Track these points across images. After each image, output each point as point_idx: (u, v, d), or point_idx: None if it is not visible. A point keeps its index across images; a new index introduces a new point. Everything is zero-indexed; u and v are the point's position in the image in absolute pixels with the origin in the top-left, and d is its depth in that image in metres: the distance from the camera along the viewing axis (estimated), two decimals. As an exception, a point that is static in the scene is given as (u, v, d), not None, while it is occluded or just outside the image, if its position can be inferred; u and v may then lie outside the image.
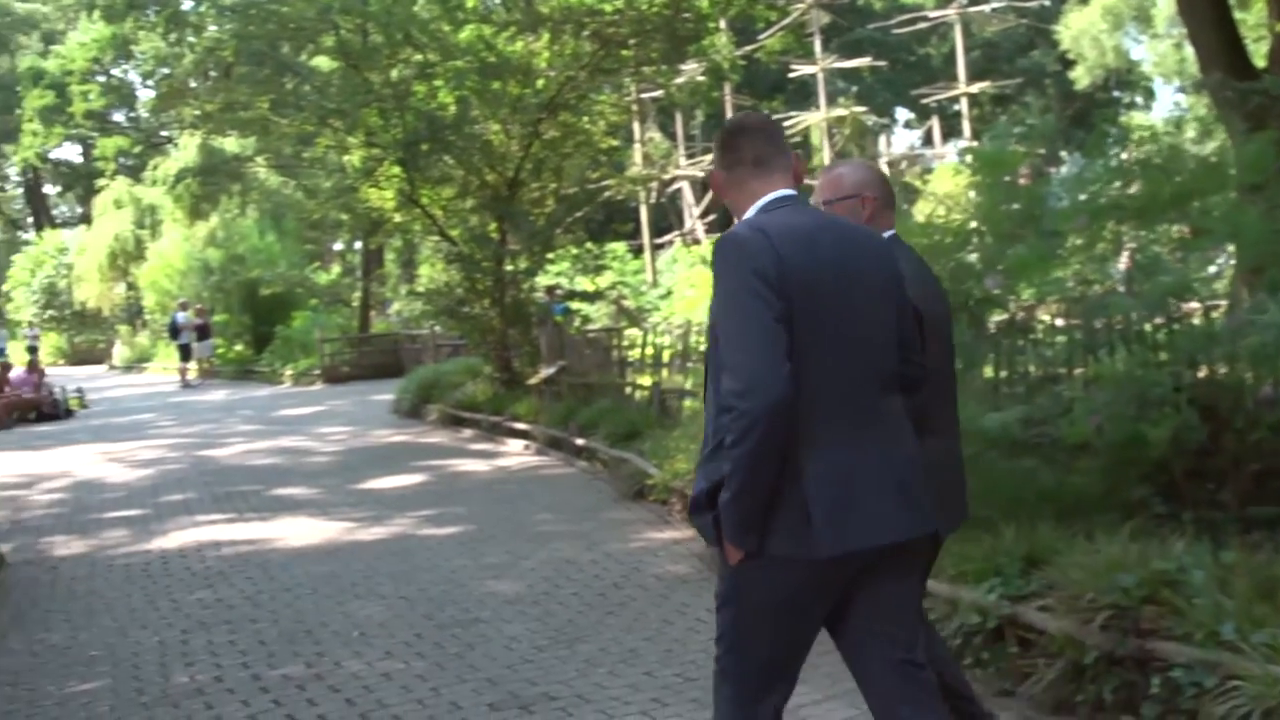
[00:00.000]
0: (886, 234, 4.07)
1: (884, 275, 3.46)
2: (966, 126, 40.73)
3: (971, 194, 8.12)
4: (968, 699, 4.33)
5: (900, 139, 55.38)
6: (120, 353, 46.77)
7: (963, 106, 42.23)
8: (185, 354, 32.32)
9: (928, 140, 46.60)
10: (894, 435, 3.38)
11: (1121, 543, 5.34)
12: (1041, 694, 5.11)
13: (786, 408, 3.15)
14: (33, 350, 39.78)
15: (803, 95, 46.30)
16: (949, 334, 4.20)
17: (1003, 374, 8.11)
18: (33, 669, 6.99)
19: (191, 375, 32.40)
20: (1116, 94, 54.69)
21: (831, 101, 40.13)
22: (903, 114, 59.16)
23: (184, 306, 32.96)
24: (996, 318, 7.96)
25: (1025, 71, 52.80)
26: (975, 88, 40.99)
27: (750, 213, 3.52)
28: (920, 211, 10.74)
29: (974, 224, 8.00)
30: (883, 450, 3.33)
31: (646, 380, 14.01)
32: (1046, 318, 8.47)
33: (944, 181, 26.57)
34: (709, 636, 6.31)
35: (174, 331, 32.43)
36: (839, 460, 3.26)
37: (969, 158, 11.56)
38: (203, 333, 32.68)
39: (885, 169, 37.30)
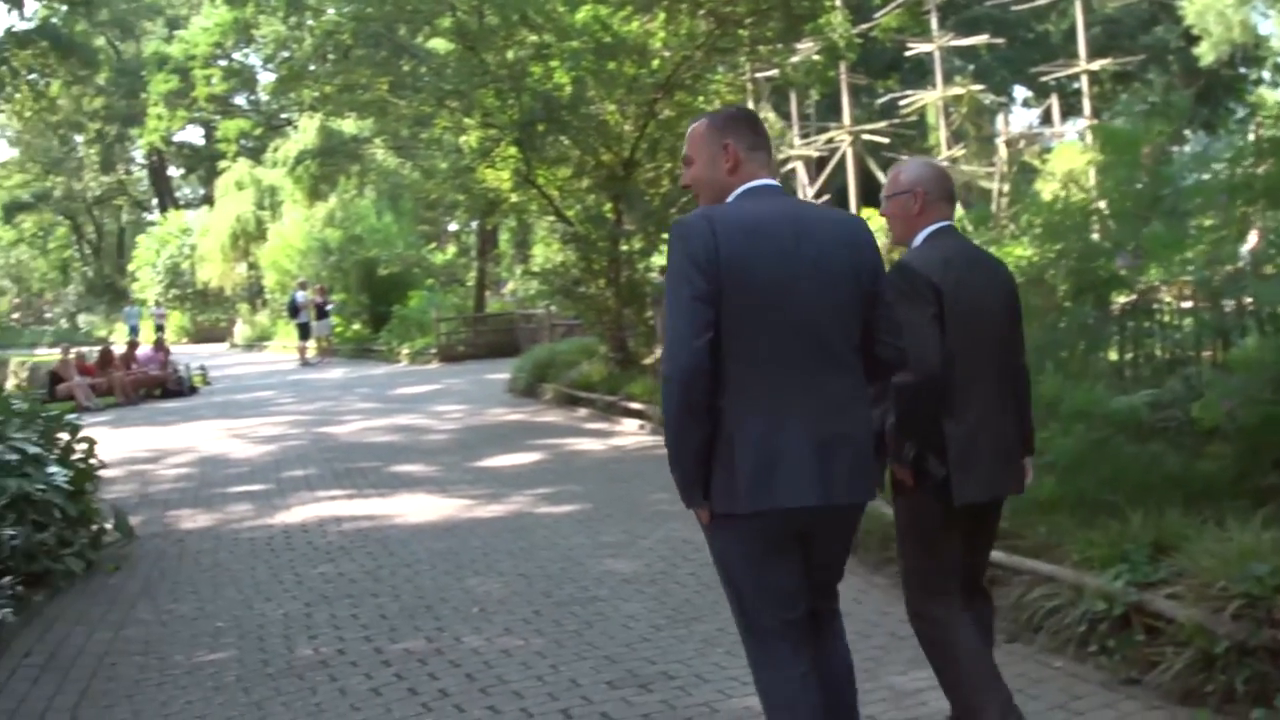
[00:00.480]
0: (938, 225, 4.46)
1: (847, 263, 3.71)
2: (1086, 105, 39.91)
3: (1092, 173, 7.98)
4: None
5: (1018, 118, 54.56)
6: (241, 331, 47.65)
7: (1083, 84, 41.39)
8: (304, 333, 32.82)
9: (1046, 119, 45.76)
10: (831, 409, 3.65)
11: (1254, 530, 5.23)
12: (1169, 683, 5.01)
13: (696, 375, 3.52)
14: (159, 329, 40.68)
15: (919, 74, 45.69)
16: (981, 324, 4.36)
17: (1128, 356, 7.96)
18: (162, 638, 7.15)
19: (310, 354, 32.90)
20: (1243, 70, 53.30)
21: (948, 80, 39.51)
22: (1021, 92, 58.21)
23: (303, 286, 33.46)
24: (1122, 299, 7.82)
25: (1148, 48, 51.60)
26: (1096, 65, 40.12)
27: (730, 199, 3.82)
28: (1040, 191, 10.58)
29: (1098, 203, 7.88)
30: (815, 422, 3.61)
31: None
32: (1169, 299, 8.30)
33: (1064, 160, 26.15)
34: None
35: (293, 310, 32.93)
36: (768, 429, 3.58)
37: (1094, 136, 11.35)
38: (321, 312, 33.15)
39: (1002, 149, 36.92)
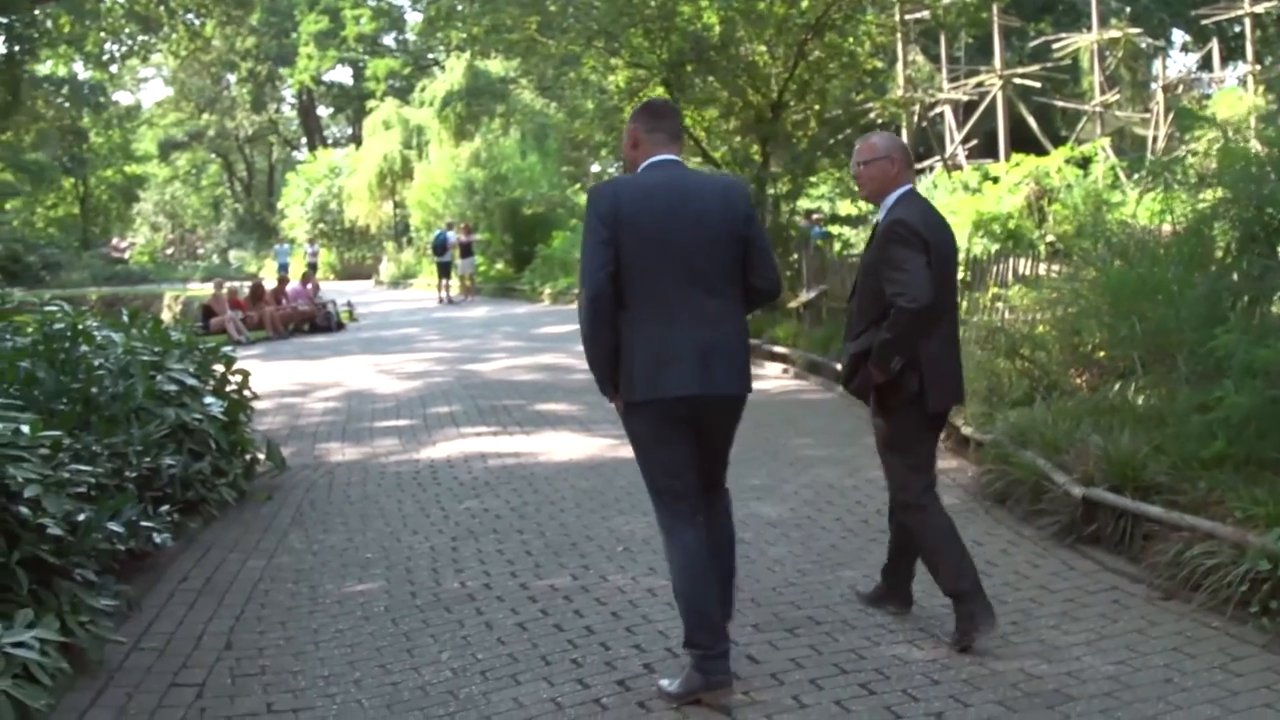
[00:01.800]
0: (907, 187, 5.51)
1: (721, 216, 4.91)
2: (1249, 49, 38.57)
3: (1254, 121, 7.68)
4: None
5: (1176, 62, 52.97)
6: (386, 269, 48.29)
7: (1245, 28, 39.99)
8: (444, 271, 33.16)
9: (1205, 64, 44.31)
10: (707, 324, 4.85)
11: None
12: (1338, 645, 4.84)
13: (601, 297, 4.78)
14: (312, 267, 41.37)
15: (1073, 16, 44.47)
16: (947, 270, 5.50)
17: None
18: (313, 568, 7.28)
19: (454, 292, 33.25)
20: None
21: (1103, 22, 38.36)
22: (1179, 36, 56.45)
23: (450, 226, 33.76)
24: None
25: (1316, -11, 49.70)
26: (1260, 7, 38.67)
27: (639, 170, 5.04)
28: (1201, 139, 10.23)
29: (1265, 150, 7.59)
30: (693, 332, 4.81)
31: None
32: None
33: (1224, 107, 25.33)
34: (976, 568, 6.18)
35: (440, 248, 33.26)
36: (656, 337, 4.80)
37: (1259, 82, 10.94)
38: (465, 250, 33.44)
39: (1159, 94, 35.81)
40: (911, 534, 5.56)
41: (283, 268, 40.39)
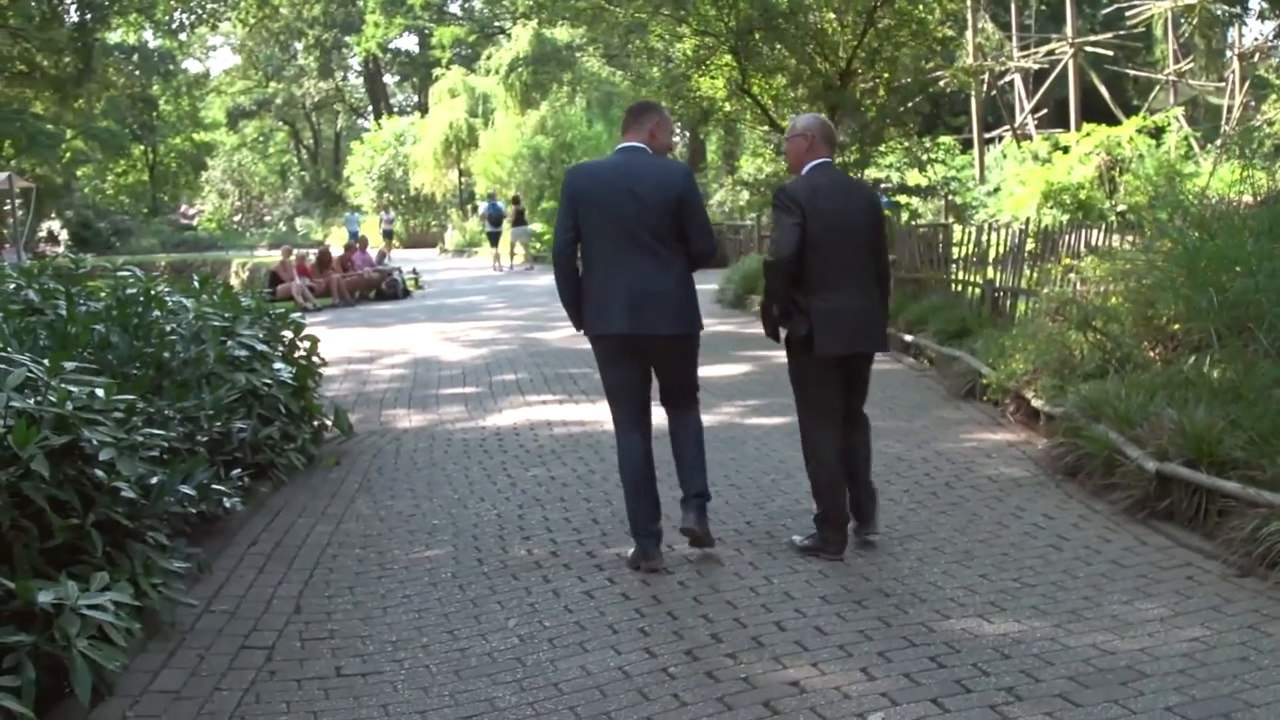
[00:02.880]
0: (819, 161, 6.46)
1: (658, 192, 6.14)
2: (1329, 16, 37.80)
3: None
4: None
5: (1252, 30, 52.01)
6: (452, 237, 48.43)
7: (1326, -5, 39.22)
8: (494, 240, 33.35)
9: (1283, 32, 43.52)
10: (642, 277, 6.13)
11: None
12: None
13: (563, 255, 6.34)
14: (388, 235, 41.57)
15: (1148, -17, 43.81)
16: (843, 232, 6.34)
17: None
18: (380, 533, 7.32)
19: (518, 260, 33.35)
20: None
21: (1179, -11, 37.79)
22: (1256, 3, 55.52)
23: (492, 196, 33.95)
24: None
25: (1400, -45, 48.60)
26: (1341, -26, 37.92)
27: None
28: (1278, 107, 10.05)
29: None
30: (629, 283, 6.12)
31: (977, 278, 13.63)
32: None
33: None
34: (1047, 542, 6.16)
35: (495, 219, 33.42)
36: (602, 285, 6.21)
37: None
38: (520, 218, 33.52)
39: (1235, 62, 35.15)
40: (854, 458, 6.54)
41: (353, 235, 40.46)
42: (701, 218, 6.35)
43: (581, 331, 6.45)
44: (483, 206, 35.04)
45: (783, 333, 6.52)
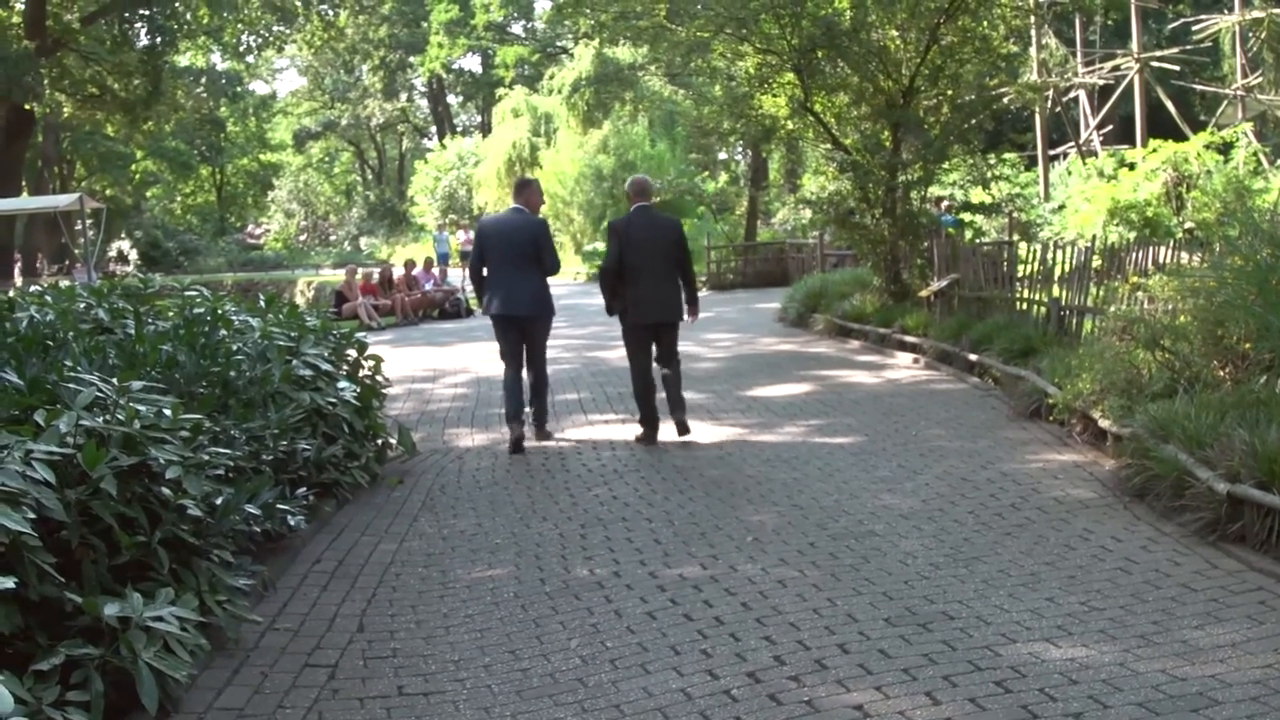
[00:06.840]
0: (638, 205, 10.53)
1: (524, 234, 10.52)
2: (1401, 30, 37.23)
3: None
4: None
5: (1323, 45, 51.24)
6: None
7: (1398, 8, 38.66)
8: None
9: (1354, 46, 42.89)
10: (516, 282, 10.44)
11: None
12: None
13: (475, 270, 10.79)
14: (464, 255, 41.66)
15: (1214, -2, 43.37)
16: (650, 249, 10.32)
17: None
18: (443, 552, 7.34)
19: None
20: None
21: (1246, 2, 37.33)
22: (1327, 17, 54.78)
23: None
24: None
25: None
26: None
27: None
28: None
29: None
30: (509, 286, 10.45)
31: (1042, 296, 13.49)
32: None
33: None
34: (1115, 565, 6.08)
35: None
36: (497, 284, 10.52)
37: None
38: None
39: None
40: (667, 381, 10.57)
41: (442, 258, 39.99)
42: (548, 246, 10.64)
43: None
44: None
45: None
